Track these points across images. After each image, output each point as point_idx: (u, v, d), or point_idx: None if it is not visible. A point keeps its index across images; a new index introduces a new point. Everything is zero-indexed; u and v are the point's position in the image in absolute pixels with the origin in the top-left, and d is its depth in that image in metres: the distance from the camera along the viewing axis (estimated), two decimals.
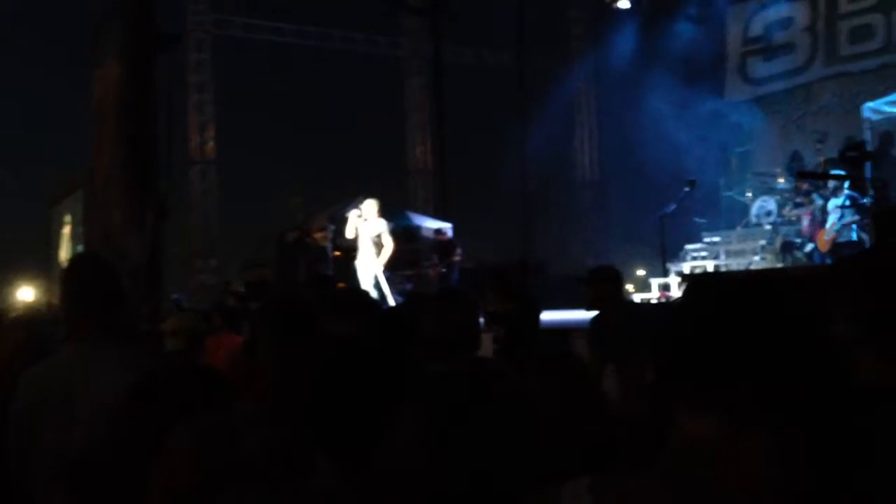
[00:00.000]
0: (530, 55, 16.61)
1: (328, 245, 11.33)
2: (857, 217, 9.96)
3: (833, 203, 10.29)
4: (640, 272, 13.82)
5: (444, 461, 1.21)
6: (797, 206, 11.16)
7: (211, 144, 15.47)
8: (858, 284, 1.58)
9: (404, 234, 13.32)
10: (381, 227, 10.38)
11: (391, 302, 10.13)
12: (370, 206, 10.43)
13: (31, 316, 3.26)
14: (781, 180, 11.68)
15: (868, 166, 10.51)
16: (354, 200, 10.97)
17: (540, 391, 1.98)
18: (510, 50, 16.66)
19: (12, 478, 2.29)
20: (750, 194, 12.23)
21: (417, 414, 1.27)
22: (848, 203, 10.03)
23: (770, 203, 10.91)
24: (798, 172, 11.37)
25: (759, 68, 14.49)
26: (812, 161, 11.93)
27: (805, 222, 10.88)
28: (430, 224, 13.99)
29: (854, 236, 10.01)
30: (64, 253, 9.81)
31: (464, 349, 2.50)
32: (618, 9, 15.89)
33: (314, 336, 1.93)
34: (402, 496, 1.24)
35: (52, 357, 2.37)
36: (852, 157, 10.64)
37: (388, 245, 10.31)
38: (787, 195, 11.38)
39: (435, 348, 2.43)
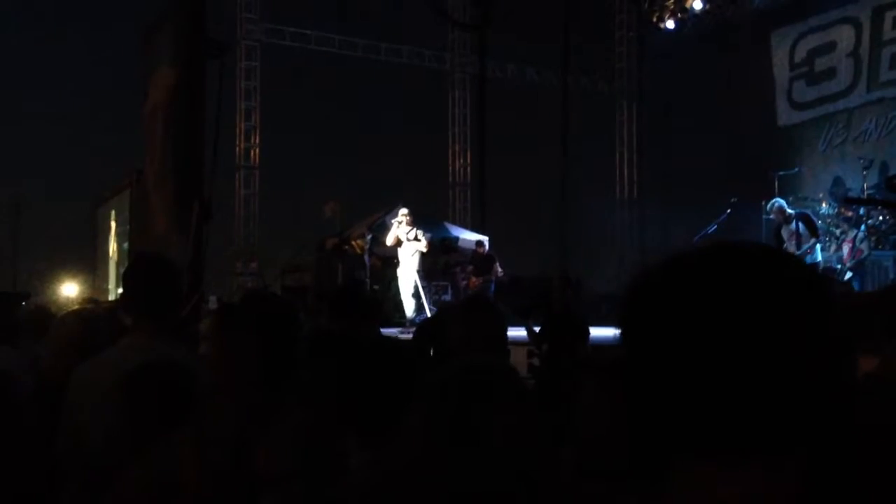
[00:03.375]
0: (574, 72, 16.64)
1: (366, 253, 11.47)
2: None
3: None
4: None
5: (444, 455, 1.25)
6: (840, 233, 11.01)
7: (256, 150, 15.75)
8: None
9: (442, 246, 13.42)
10: (418, 234, 10.53)
11: (427, 311, 10.22)
12: (404, 213, 10.56)
13: (88, 310, 3.27)
14: (824, 205, 11.54)
15: None
16: (395, 209, 11.10)
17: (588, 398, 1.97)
18: (554, 67, 16.70)
19: (60, 473, 2.24)
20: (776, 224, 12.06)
21: (422, 410, 1.33)
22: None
23: (801, 226, 10.74)
24: (844, 198, 11.23)
25: (803, 93, 14.39)
26: (855, 187, 11.80)
27: (846, 250, 10.72)
28: (467, 236, 14.06)
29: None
30: (111, 249, 10.08)
31: (488, 355, 2.55)
32: (664, 29, 15.87)
33: (261, 332, 1.96)
34: (412, 486, 1.31)
35: (106, 352, 2.33)
36: None
37: (423, 245, 10.49)
38: (829, 220, 11.23)
39: (461, 354, 2.48)
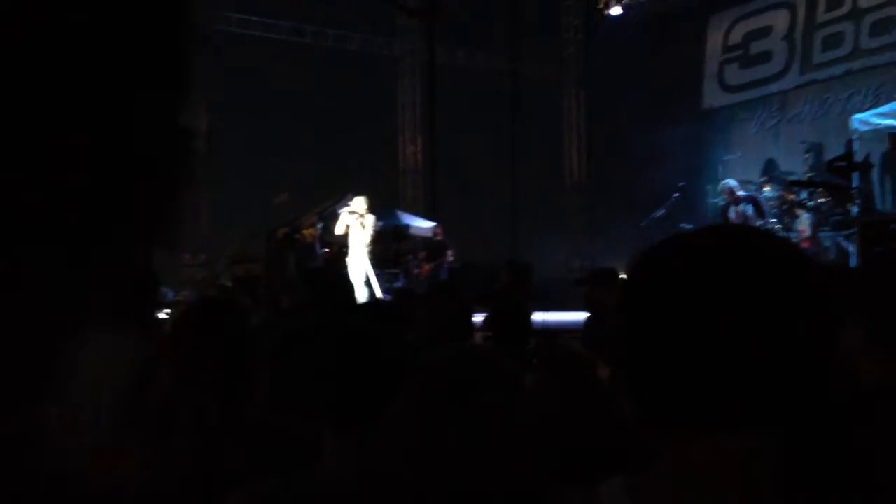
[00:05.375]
0: (523, 59, 16.69)
1: (317, 242, 11.36)
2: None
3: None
4: (625, 276, 13.86)
5: (441, 443, 1.23)
6: (788, 219, 11.18)
7: (201, 141, 15.46)
8: (861, 290, 1.61)
9: (393, 233, 13.37)
10: (370, 222, 10.49)
11: (379, 299, 10.17)
12: (360, 202, 10.52)
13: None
14: (767, 188, 11.75)
15: (856, 176, 10.63)
16: (344, 198, 11.02)
17: (541, 390, 2.00)
18: (503, 53, 16.73)
19: None
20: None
21: (415, 394, 1.30)
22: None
23: (749, 209, 10.97)
24: (789, 182, 11.47)
25: (736, 75, 14.68)
26: (789, 169, 12.09)
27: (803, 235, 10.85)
28: (419, 223, 14.03)
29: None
30: None
31: (455, 340, 2.54)
32: (610, 16, 16.01)
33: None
34: (402, 474, 1.28)
35: None
36: (840, 167, 10.77)
37: (369, 232, 10.49)
38: (772, 203, 11.48)
39: (428, 340, 2.47)
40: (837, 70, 13.10)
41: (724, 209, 10.95)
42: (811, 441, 0.93)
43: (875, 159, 10.86)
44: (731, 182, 11.03)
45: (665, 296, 0.84)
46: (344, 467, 1.48)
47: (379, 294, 10.29)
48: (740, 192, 10.85)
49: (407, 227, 13.96)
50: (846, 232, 10.41)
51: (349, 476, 1.46)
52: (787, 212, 11.18)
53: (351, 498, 1.47)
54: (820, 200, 10.94)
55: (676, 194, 11.10)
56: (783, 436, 0.83)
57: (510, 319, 3.49)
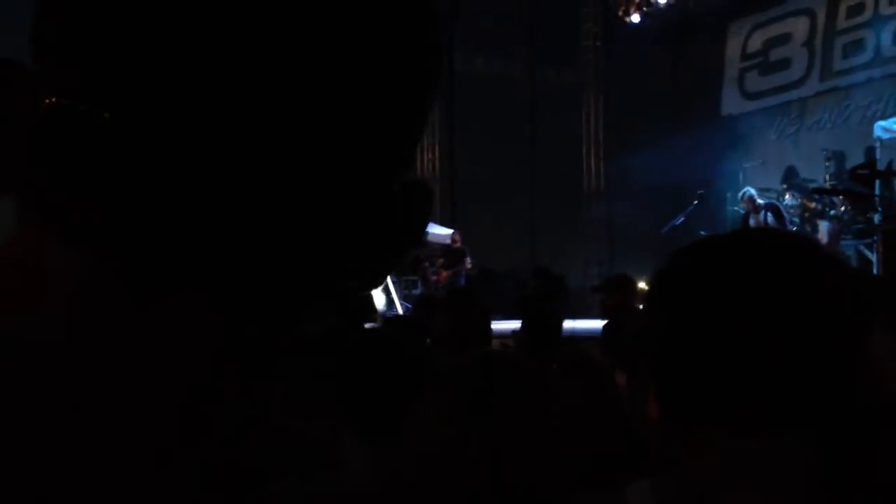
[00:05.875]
0: (541, 65, 16.69)
1: None
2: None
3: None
4: (643, 285, 13.82)
5: (462, 450, 1.23)
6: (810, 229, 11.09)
7: None
8: (889, 296, 1.60)
9: None
10: None
11: (399, 307, 10.18)
12: None
13: None
14: (788, 196, 11.67)
15: (878, 184, 10.55)
16: None
17: (563, 394, 2.00)
18: (521, 59, 16.73)
19: None
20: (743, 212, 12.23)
21: (439, 401, 1.30)
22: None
23: (770, 217, 10.89)
24: (813, 189, 11.38)
25: (757, 82, 14.60)
26: (809, 177, 11.99)
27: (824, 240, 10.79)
28: (436, 230, 14.03)
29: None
30: None
31: (475, 347, 2.54)
32: (630, 23, 15.97)
33: None
34: (424, 480, 1.28)
35: None
36: (862, 174, 10.69)
37: None
38: (792, 211, 11.40)
39: (447, 346, 2.47)
40: (858, 77, 13.00)
41: (745, 217, 10.88)
42: (838, 445, 0.89)
43: None
44: (752, 190, 10.97)
45: (692, 298, 0.84)
46: (364, 473, 1.48)
47: (397, 301, 10.30)
48: (760, 201, 10.79)
49: (426, 234, 13.98)
50: (868, 240, 10.33)
51: (370, 481, 1.46)
52: (807, 220, 11.09)
53: (371, 503, 1.46)
54: (842, 209, 10.85)
55: (696, 202, 11.04)
56: (810, 439, 0.83)
57: (544, 327, 3.49)
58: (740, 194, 11.20)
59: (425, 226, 0.52)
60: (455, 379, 1.32)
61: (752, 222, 10.54)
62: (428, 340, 2.52)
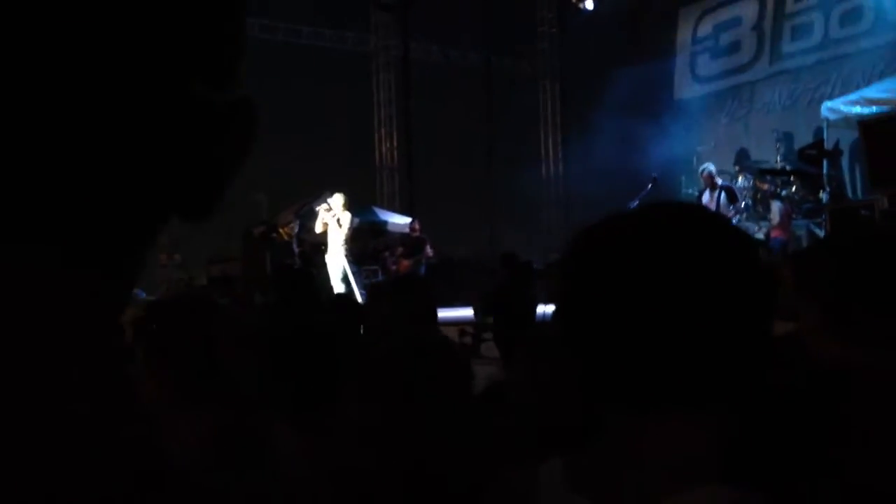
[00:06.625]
0: (497, 53, 16.72)
1: (294, 240, 11.35)
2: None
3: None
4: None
5: (390, 438, 1.25)
6: (763, 209, 11.23)
7: None
8: (814, 269, 1.60)
9: (371, 230, 13.36)
10: (347, 220, 10.51)
11: (358, 296, 10.17)
12: (337, 200, 10.54)
13: None
14: (741, 178, 11.84)
15: (825, 164, 10.77)
16: (322, 195, 11.02)
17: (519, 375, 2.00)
18: (477, 48, 16.75)
19: None
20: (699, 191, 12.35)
21: (369, 387, 1.32)
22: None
23: (723, 196, 11.05)
24: (760, 170, 11.58)
25: (707, 66, 14.78)
26: (760, 159, 12.18)
27: (775, 222, 10.91)
28: (396, 219, 14.03)
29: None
30: None
31: (417, 333, 2.57)
32: (584, 9, 16.07)
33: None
34: (355, 466, 1.31)
35: None
36: (810, 154, 10.91)
37: (346, 229, 10.48)
38: (745, 193, 11.57)
39: (388, 332, 2.49)
40: (807, 59, 13.22)
41: (699, 194, 11.07)
42: (756, 420, 0.90)
43: (845, 147, 10.99)
44: (711, 167, 11.13)
45: (602, 275, 0.82)
46: (300, 463, 1.50)
47: (356, 290, 10.30)
48: (718, 180, 10.97)
49: (384, 223, 13.95)
50: (817, 219, 10.55)
51: (305, 471, 1.48)
52: (760, 201, 11.29)
53: (314, 491, 1.49)
54: (793, 189, 11.06)
55: (650, 185, 11.17)
56: (726, 415, 0.81)
57: (517, 316, 3.50)
58: (700, 168, 11.36)
59: (248, 144, 0.50)
60: (385, 366, 1.34)
61: (705, 198, 10.68)
62: (366, 327, 2.54)
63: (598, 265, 0.83)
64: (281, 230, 11.70)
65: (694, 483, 0.79)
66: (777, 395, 1.30)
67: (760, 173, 11.46)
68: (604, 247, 0.84)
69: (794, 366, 1.57)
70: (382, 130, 17.51)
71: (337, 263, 10.57)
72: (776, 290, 0.86)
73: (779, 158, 11.94)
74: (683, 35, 15.25)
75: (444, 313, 7.86)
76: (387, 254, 12.86)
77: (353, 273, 10.75)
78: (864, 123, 9.20)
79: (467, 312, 8.73)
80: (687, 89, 15.05)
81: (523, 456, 1.15)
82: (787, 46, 13.60)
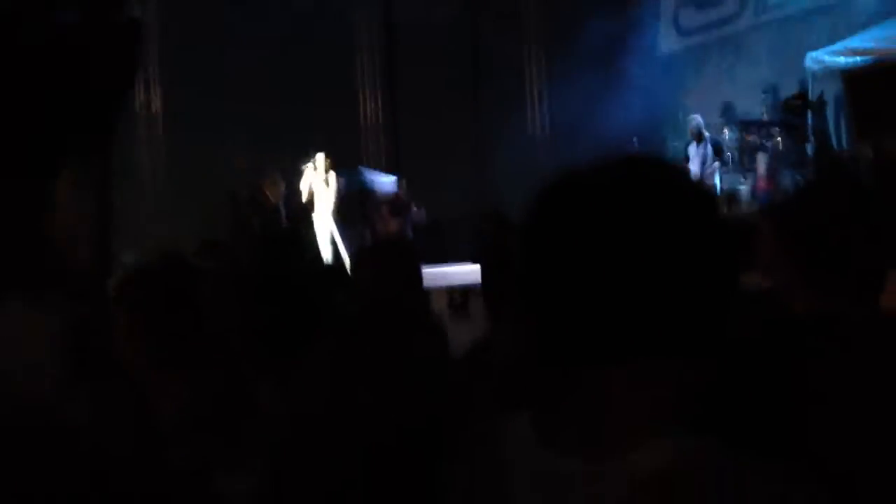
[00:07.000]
0: (481, 12, 16.52)
1: (281, 201, 11.31)
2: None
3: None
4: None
5: (358, 392, 1.27)
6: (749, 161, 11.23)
7: (157, 102, 15.15)
8: (791, 223, 1.61)
9: (359, 191, 13.32)
10: (333, 180, 10.49)
11: (345, 257, 10.19)
12: (322, 160, 10.49)
13: None
14: (726, 132, 11.81)
15: (810, 115, 10.77)
16: (307, 157, 10.97)
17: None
18: (461, 6, 16.54)
19: None
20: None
21: (340, 345, 1.34)
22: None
23: (709, 150, 11.05)
24: (741, 122, 11.57)
25: (691, 18, 14.63)
26: (747, 111, 12.14)
27: (760, 174, 10.94)
28: (382, 179, 13.98)
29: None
30: None
31: (399, 295, 2.58)
32: None
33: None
34: (329, 420, 1.33)
35: None
36: (795, 105, 10.90)
37: (333, 190, 10.47)
38: (731, 145, 11.55)
39: (370, 294, 2.51)
40: (792, 9, 13.11)
41: (686, 144, 11.08)
42: (723, 372, 0.90)
43: (829, 98, 10.97)
44: (700, 119, 11.11)
45: (560, 230, 0.83)
46: (281, 417, 1.53)
47: (344, 252, 10.31)
48: (705, 133, 10.98)
49: (371, 183, 13.91)
50: (803, 171, 10.57)
51: (286, 425, 1.50)
52: (745, 153, 11.30)
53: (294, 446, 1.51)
54: (778, 140, 11.06)
55: (634, 139, 11.16)
56: (692, 367, 0.82)
57: (506, 276, 3.47)
58: (688, 120, 11.34)
59: (134, 59, 0.49)
60: (358, 324, 1.36)
61: (691, 151, 10.71)
62: (350, 291, 2.55)
63: (558, 219, 0.84)
64: (267, 192, 11.65)
65: (660, 435, 0.80)
66: (746, 347, 1.33)
67: (745, 125, 11.45)
68: (564, 202, 0.84)
69: (768, 317, 1.59)
70: (367, 90, 17.34)
71: (324, 225, 10.56)
72: (740, 242, 0.87)
73: (765, 111, 11.90)
74: None
75: (435, 269, 7.83)
76: (374, 215, 12.84)
77: (341, 234, 10.74)
78: (847, 75, 9.17)
79: (459, 269, 8.70)
80: (671, 42, 14.91)
81: (493, 412, 1.16)
82: None
